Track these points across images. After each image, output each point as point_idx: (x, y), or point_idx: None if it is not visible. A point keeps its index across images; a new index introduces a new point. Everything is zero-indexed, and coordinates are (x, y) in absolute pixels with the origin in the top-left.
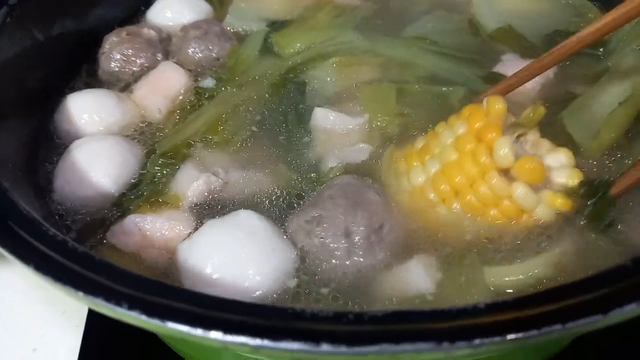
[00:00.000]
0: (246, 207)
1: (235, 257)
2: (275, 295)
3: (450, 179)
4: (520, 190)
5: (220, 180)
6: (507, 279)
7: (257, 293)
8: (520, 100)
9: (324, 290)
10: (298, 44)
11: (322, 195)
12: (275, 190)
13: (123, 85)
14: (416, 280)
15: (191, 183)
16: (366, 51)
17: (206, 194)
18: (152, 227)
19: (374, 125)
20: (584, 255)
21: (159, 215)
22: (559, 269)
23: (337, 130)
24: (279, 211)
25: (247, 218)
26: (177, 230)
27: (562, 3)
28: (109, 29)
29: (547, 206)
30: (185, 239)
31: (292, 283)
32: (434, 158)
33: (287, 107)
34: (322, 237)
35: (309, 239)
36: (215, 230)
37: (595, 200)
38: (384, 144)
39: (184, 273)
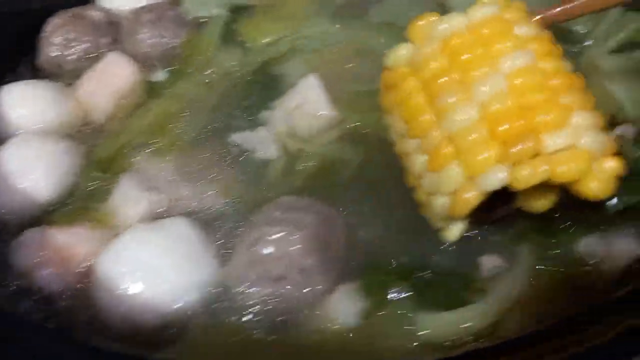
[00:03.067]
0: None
1: (156, 266)
2: (194, 310)
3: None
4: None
5: (163, 198)
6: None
7: (177, 306)
8: None
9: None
10: (268, 36)
11: (261, 217)
12: (223, 203)
13: (68, 78)
14: (341, 314)
15: (131, 202)
16: (341, 41)
17: (148, 215)
18: (63, 243)
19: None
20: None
21: (75, 231)
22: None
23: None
24: (222, 226)
25: (176, 226)
26: (92, 248)
27: None
28: (54, 12)
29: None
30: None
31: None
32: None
33: (250, 106)
34: (255, 261)
35: (243, 259)
36: (138, 238)
37: None
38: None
39: (99, 288)
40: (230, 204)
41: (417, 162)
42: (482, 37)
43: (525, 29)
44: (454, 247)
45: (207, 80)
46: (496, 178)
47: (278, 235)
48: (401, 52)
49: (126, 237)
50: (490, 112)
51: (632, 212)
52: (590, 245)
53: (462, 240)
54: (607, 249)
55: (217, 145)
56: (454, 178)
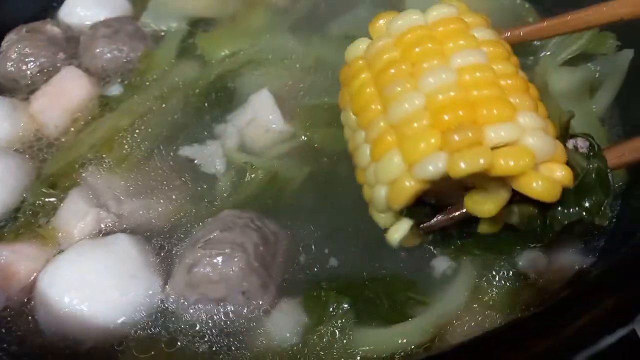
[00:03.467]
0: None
1: (97, 283)
2: (134, 328)
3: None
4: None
5: (110, 214)
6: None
7: (117, 324)
8: None
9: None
10: (226, 49)
11: (201, 236)
12: (168, 219)
13: (24, 93)
14: (282, 331)
15: (78, 219)
16: (299, 54)
17: (95, 231)
18: (7, 260)
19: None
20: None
21: (20, 247)
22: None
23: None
24: (166, 242)
25: (119, 243)
26: (36, 265)
27: (503, 4)
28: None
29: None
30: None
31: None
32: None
33: (203, 119)
34: (195, 283)
35: (183, 279)
36: (80, 256)
37: None
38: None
39: (40, 305)
40: (176, 219)
41: (364, 154)
42: (436, 33)
43: (483, 33)
44: (397, 261)
45: (162, 94)
46: (434, 166)
47: (217, 258)
48: (358, 47)
49: (68, 255)
50: (435, 103)
51: (576, 226)
52: (532, 259)
53: (406, 253)
54: (550, 262)
55: (167, 160)
56: (393, 166)
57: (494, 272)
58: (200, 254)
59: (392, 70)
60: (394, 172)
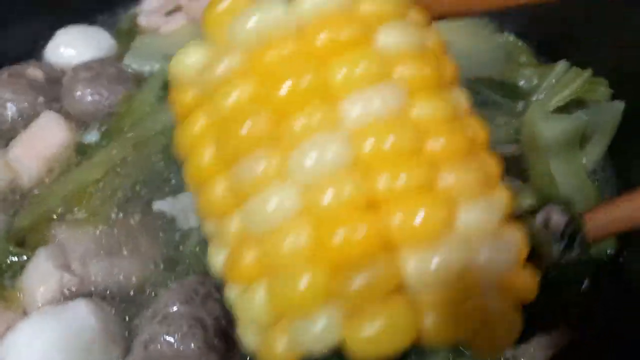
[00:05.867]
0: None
1: (57, 353)
2: None
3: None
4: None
5: (75, 277)
6: None
7: None
8: None
9: None
10: None
11: (160, 309)
12: (135, 282)
13: (4, 139)
14: None
15: (41, 282)
16: None
17: (58, 296)
18: None
19: None
20: None
21: None
22: None
23: None
24: (130, 308)
25: (79, 312)
26: None
27: (497, 43)
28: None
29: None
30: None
31: None
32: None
33: (180, 172)
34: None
35: (141, 354)
36: (35, 328)
37: None
38: None
39: None
40: (142, 280)
41: (217, 257)
42: (315, 49)
43: (394, 36)
44: None
45: (139, 141)
46: (320, 333)
47: (174, 335)
48: (189, 60)
49: (25, 327)
50: (318, 204)
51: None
52: None
53: None
54: None
55: (139, 214)
56: (257, 309)
57: None
58: (157, 330)
59: (245, 128)
60: (261, 318)
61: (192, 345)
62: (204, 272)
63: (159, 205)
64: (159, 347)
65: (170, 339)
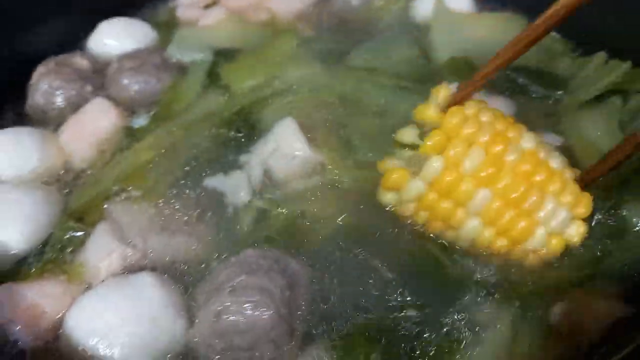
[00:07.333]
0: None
1: (121, 327)
2: None
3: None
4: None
5: (137, 251)
6: None
7: None
8: None
9: None
10: (251, 80)
11: (225, 279)
12: (193, 255)
13: (53, 124)
14: None
15: (104, 255)
16: (324, 86)
17: (120, 269)
18: (33, 300)
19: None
20: None
21: (45, 286)
22: None
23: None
24: (191, 280)
25: (143, 283)
26: (63, 303)
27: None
28: (44, 57)
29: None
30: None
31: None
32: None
33: (228, 149)
34: (221, 332)
35: (209, 327)
36: (103, 297)
37: None
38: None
39: (65, 345)
40: (200, 255)
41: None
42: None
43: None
44: (427, 309)
45: (187, 125)
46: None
47: (246, 306)
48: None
49: (92, 296)
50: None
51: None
52: (565, 312)
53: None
54: (585, 312)
55: (191, 191)
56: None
57: (528, 322)
58: (228, 301)
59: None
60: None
61: (264, 315)
62: (261, 247)
63: (209, 183)
64: (231, 318)
65: (242, 309)
